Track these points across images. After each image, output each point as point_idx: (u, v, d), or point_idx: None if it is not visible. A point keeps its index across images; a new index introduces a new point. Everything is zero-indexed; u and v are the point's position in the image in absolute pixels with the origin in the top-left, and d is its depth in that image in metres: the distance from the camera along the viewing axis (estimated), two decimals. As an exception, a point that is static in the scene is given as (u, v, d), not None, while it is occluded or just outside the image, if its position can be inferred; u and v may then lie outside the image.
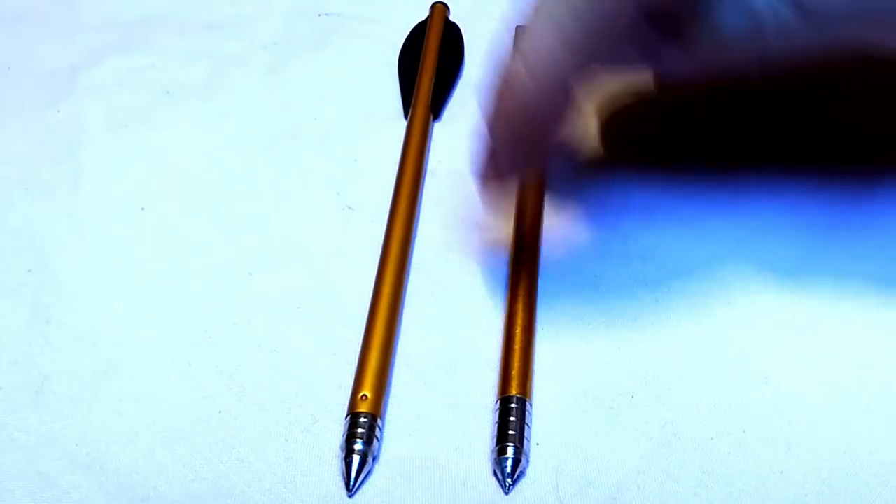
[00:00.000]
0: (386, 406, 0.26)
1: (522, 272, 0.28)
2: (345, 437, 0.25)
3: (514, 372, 0.26)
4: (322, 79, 0.37)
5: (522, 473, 0.25)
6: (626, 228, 0.30)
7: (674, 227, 0.30)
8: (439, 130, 0.35)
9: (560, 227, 0.30)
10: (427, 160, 0.33)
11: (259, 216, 0.32)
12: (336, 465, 0.25)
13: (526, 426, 0.25)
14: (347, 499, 0.24)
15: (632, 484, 0.24)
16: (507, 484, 0.24)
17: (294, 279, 0.30)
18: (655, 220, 0.30)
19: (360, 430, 0.25)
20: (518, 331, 0.27)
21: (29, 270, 0.31)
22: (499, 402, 0.25)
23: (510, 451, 0.24)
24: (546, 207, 0.31)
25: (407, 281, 0.29)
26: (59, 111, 0.37)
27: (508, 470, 0.24)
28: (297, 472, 0.25)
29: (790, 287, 0.28)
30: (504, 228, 0.30)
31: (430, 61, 0.36)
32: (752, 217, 0.30)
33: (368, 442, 0.25)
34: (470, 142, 0.34)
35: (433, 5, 0.38)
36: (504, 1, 0.39)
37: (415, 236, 0.31)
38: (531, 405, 0.26)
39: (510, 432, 0.25)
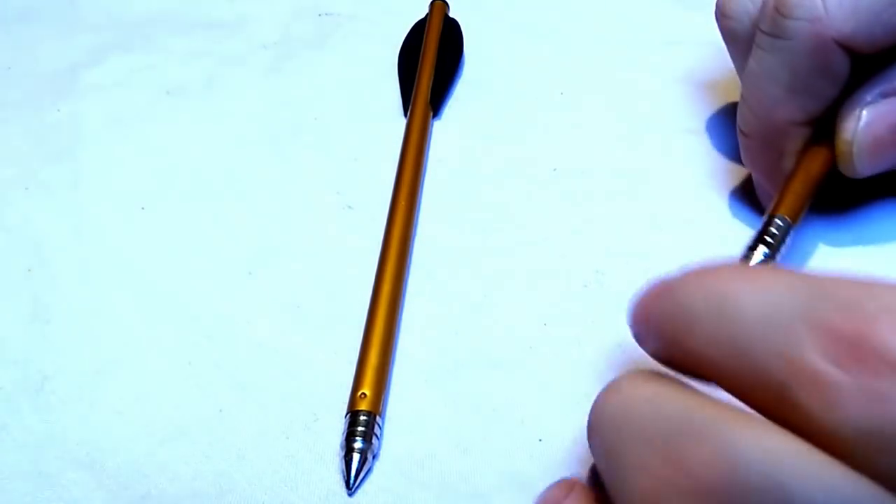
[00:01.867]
0: (386, 404, 0.26)
1: None
2: (345, 435, 0.25)
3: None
4: (322, 78, 0.37)
5: None
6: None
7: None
8: (439, 128, 0.35)
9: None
10: (427, 158, 0.33)
11: (259, 215, 0.32)
12: (336, 463, 0.25)
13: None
14: (347, 497, 0.24)
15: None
16: None
17: (294, 278, 0.30)
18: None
19: (359, 429, 0.25)
20: None
21: (29, 270, 0.31)
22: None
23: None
24: None
25: (407, 279, 0.29)
26: (59, 111, 0.37)
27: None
28: (297, 471, 0.25)
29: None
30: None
31: (429, 59, 0.36)
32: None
33: (368, 440, 0.25)
34: (470, 139, 0.34)
35: (432, 3, 0.38)
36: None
37: (415, 234, 0.31)
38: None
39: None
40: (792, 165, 0.28)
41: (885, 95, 0.26)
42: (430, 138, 0.34)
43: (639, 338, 0.18)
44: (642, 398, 0.16)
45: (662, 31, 0.38)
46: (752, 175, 0.30)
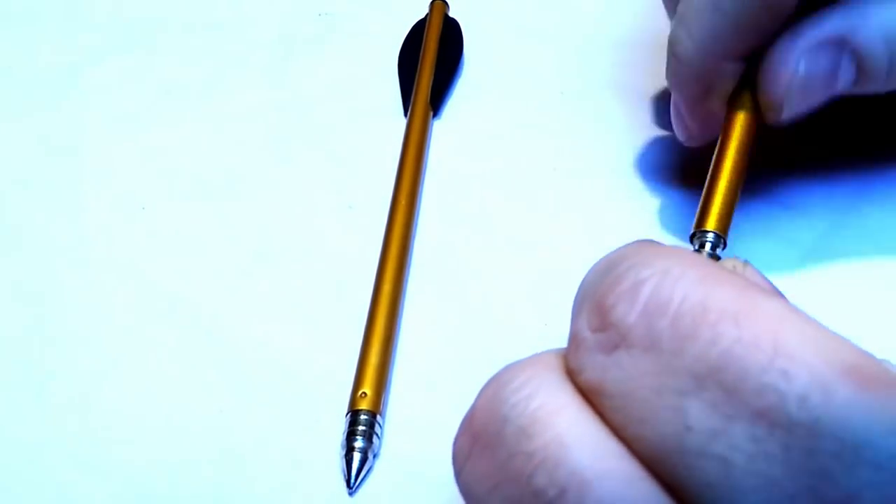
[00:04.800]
0: (386, 403, 0.26)
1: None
2: (345, 434, 0.25)
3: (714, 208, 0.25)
4: (322, 78, 0.37)
5: None
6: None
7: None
8: (439, 128, 0.35)
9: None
10: (427, 158, 0.33)
11: (259, 215, 0.32)
12: (337, 462, 0.25)
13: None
14: (348, 496, 0.24)
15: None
16: None
17: (294, 278, 0.30)
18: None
19: (360, 428, 0.25)
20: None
21: (29, 270, 0.31)
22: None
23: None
24: None
25: (407, 278, 0.29)
26: (59, 111, 0.36)
27: None
28: (298, 470, 0.25)
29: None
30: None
31: (429, 59, 0.36)
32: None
33: (369, 439, 0.25)
34: (470, 138, 0.35)
35: (432, 3, 0.38)
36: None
37: (415, 234, 0.31)
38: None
39: None
40: (719, 106, 0.27)
41: (820, 42, 0.25)
42: (430, 138, 0.34)
43: None
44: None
45: (663, 32, 0.38)
46: (673, 98, 0.29)
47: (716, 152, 0.27)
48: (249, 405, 0.27)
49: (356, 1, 0.41)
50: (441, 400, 0.26)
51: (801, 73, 0.26)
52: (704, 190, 0.26)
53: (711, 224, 0.25)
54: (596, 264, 0.17)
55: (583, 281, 0.18)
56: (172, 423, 0.26)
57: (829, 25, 0.25)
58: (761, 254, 0.29)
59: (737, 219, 0.28)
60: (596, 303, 0.16)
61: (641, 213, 0.31)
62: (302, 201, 0.33)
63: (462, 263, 0.30)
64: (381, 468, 0.25)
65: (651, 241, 0.17)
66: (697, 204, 0.31)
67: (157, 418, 0.27)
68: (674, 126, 0.30)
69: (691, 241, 0.25)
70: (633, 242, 0.17)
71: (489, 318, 0.28)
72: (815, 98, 0.26)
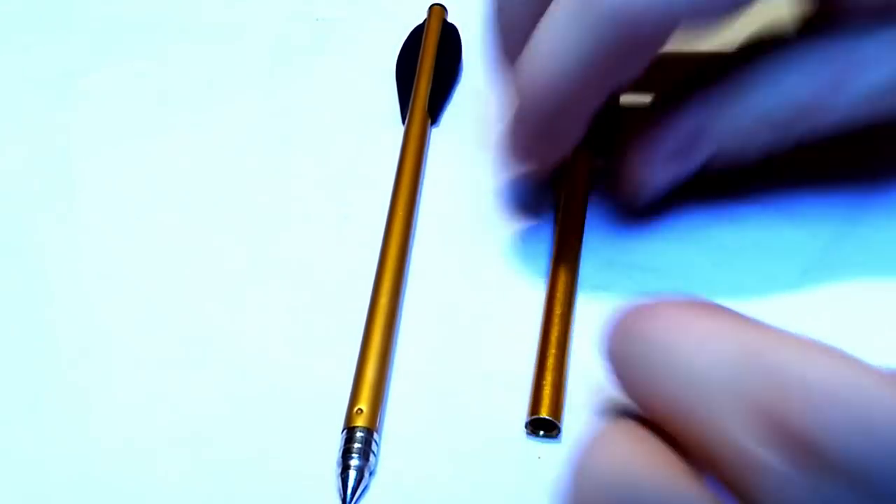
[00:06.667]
0: (383, 420, 0.26)
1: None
2: (341, 451, 0.25)
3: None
4: (319, 84, 0.37)
5: None
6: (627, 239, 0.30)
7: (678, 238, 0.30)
8: (437, 135, 0.34)
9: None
10: (425, 166, 0.33)
11: (256, 223, 0.32)
12: (332, 480, 0.25)
13: None
14: (344, 514, 0.24)
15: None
16: None
17: (291, 287, 0.30)
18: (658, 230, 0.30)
19: (355, 445, 0.25)
20: (552, 349, 0.26)
21: (27, 275, 0.31)
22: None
23: None
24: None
25: (404, 290, 0.29)
26: (52, 119, 0.36)
27: None
28: (293, 488, 0.25)
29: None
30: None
31: (427, 65, 0.35)
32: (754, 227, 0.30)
33: (365, 457, 0.24)
34: (469, 147, 0.34)
35: (431, 7, 0.38)
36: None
37: (412, 243, 0.31)
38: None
39: None
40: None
41: (676, 154, 0.26)
42: (428, 146, 0.34)
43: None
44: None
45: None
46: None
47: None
48: (243, 422, 0.26)
49: (353, 6, 0.40)
50: (439, 417, 0.26)
51: (658, 180, 0.27)
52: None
53: (545, 410, 0.25)
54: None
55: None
56: (165, 437, 0.26)
57: (682, 132, 0.26)
58: (761, 267, 0.29)
59: (734, 232, 0.28)
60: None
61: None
62: (297, 210, 0.32)
63: (460, 274, 0.30)
64: (378, 486, 0.25)
65: None
66: (705, 207, 0.31)
67: (150, 433, 0.26)
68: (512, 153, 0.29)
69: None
70: None
71: (489, 332, 0.28)
72: (669, 187, 0.28)
